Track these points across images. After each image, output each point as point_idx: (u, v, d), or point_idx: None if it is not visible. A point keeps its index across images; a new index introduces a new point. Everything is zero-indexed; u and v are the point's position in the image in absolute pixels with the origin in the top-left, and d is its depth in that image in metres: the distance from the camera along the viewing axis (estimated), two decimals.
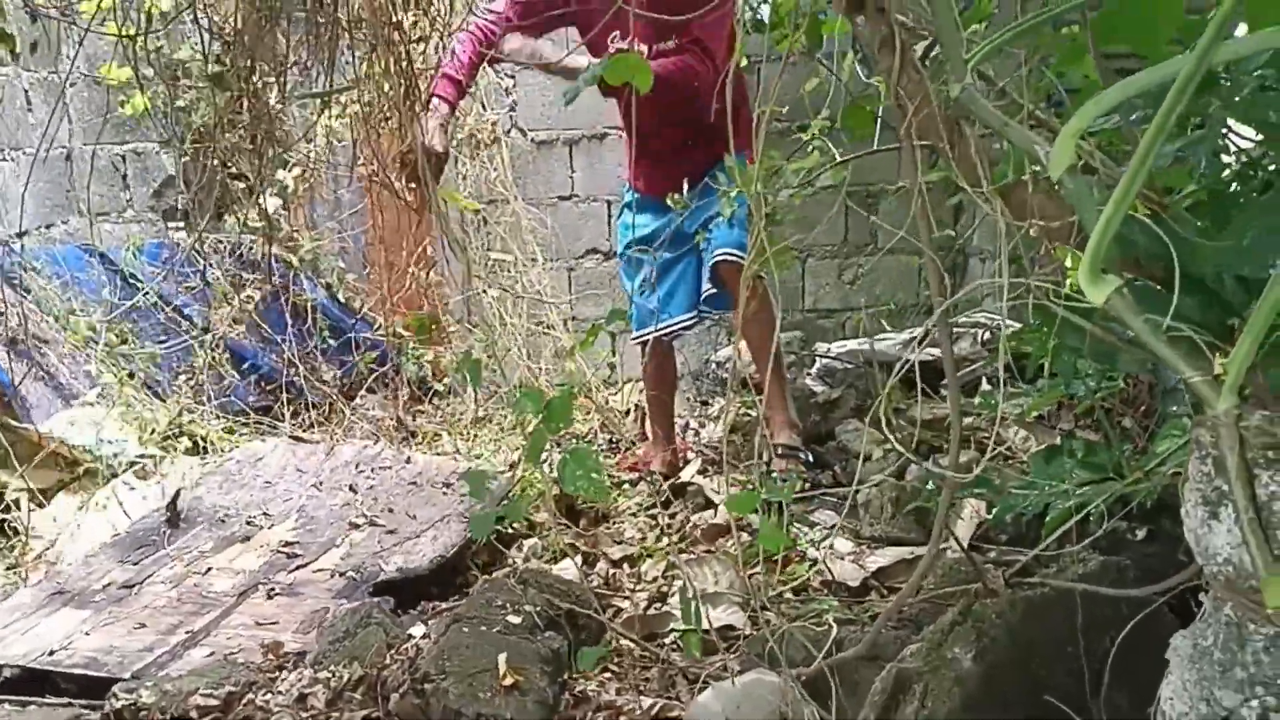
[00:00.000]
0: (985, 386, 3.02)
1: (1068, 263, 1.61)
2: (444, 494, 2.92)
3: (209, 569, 2.63)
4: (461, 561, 2.63)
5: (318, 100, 2.59)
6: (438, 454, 3.66)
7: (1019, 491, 2.14)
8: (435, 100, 2.74)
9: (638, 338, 3.20)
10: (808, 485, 2.86)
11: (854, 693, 1.70)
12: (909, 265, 4.22)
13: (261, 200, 2.80)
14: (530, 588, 2.08)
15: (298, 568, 2.62)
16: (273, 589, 2.51)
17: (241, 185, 2.59)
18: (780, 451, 2.98)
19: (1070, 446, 2.02)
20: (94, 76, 3.74)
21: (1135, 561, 1.82)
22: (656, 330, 3.11)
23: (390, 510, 2.85)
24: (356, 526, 2.79)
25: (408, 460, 3.16)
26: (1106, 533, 1.84)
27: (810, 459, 2.99)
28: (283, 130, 3.24)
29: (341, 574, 2.54)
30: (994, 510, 2.29)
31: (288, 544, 2.74)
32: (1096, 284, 0.94)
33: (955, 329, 3.14)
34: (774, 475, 2.88)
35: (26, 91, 3.58)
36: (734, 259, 2.87)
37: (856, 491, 2.62)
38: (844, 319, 4.33)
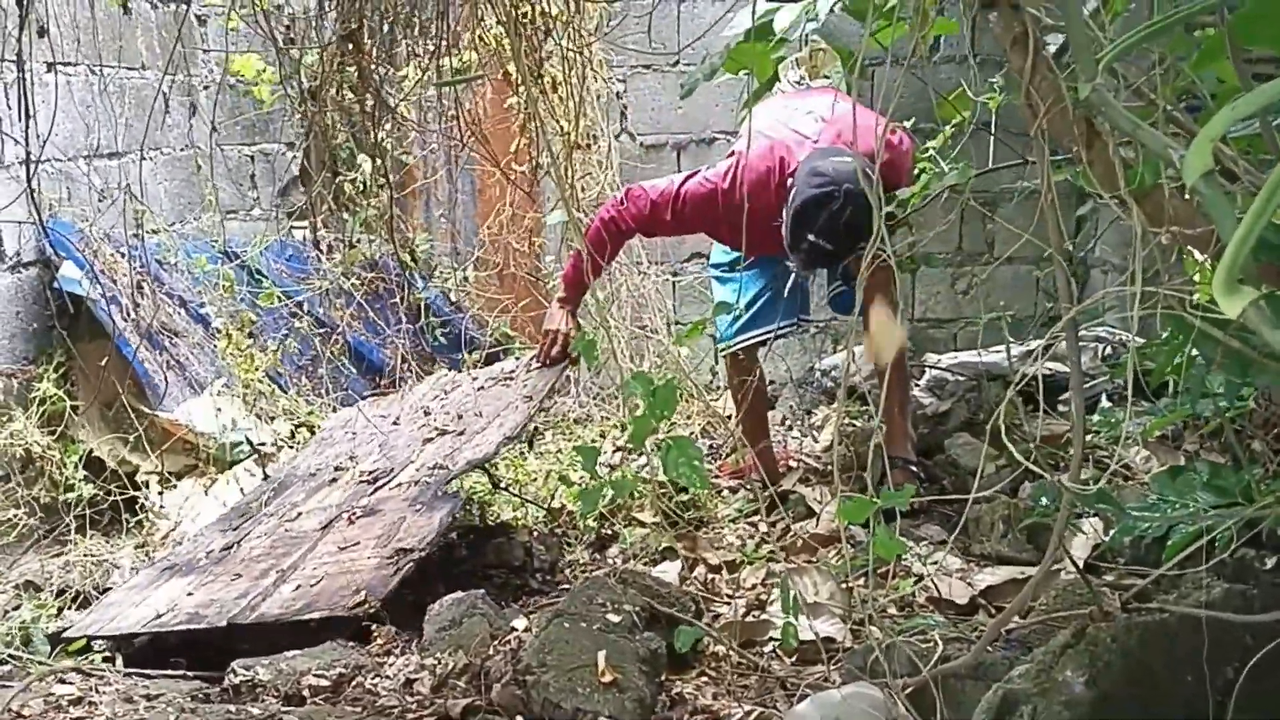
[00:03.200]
0: (1105, 404, 2.91)
1: (1196, 276, 1.54)
2: (506, 387, 2.96)
3: (299, 514, 2.72)
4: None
5: (426, 58, 2.64)
6: (539, 454, 3.72)
7: (1140, 513, 2.06)
8: (565, 301, 2.90)
9: (728, 347, 3.11)
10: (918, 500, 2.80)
11: (958, 711, 1.66)
12: (1027, 276, 4.09)
13: (378, 199, 2.89)
14: (630, 588, 2.09)
15: (375, 490, 2.69)
16: (352, 514, 2.58)
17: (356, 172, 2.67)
18: (896, 464, 2.90)
19: (1196, 468, 1.93)
20: (224, 71, 3.91)
21: (1263, 590, 1.73)
22: (751, 337, 3.07)
23: (459, 416, 2.90)
24: (430, 440, 2.85)
25: (474, 375, 3.22)
26: (1232, 559, 1.76)
27: (923, 476, 2.92)
28: (399, 115, 3.31)
29: (416, 483, 2.59)
30: (1112, 533, 2.20)
31: (369, 473, 2.81)
32: (1232, 294, 0.90)
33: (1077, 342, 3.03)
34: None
35: (164, 94, 3.77)
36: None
37: (968, 507, 2.56)
38: (955, 330, 4.23)
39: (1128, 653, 1.55)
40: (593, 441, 3.82)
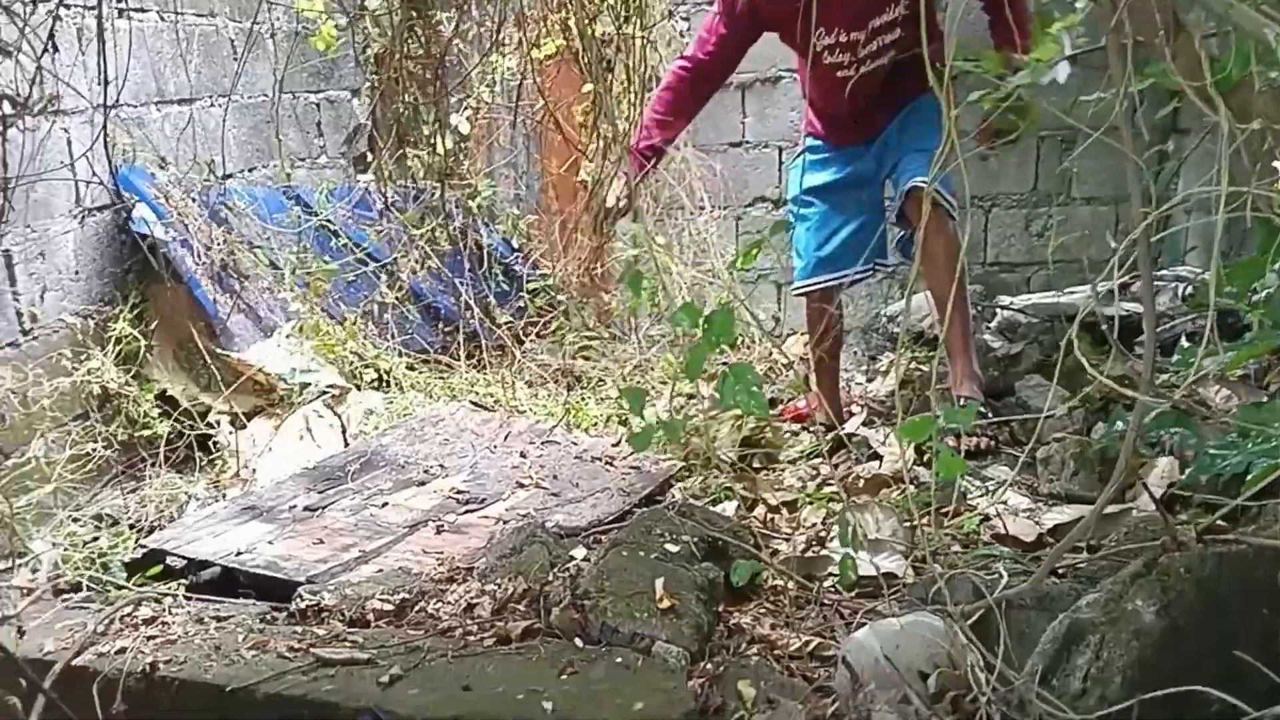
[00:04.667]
0: (1184, 344, 2.80)
1: None
2: (607, 470, 3.01)
3: (386, 504, 2.80)
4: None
5: (493, 30, 2.63)
6: (601, 399, 3.74)
7: (1219, 450, 1.99)
8: (633, 166, 2.82)
9: (802, 289, 3.11)
10: (985, 441, 2.74)
11: (1022, 641, 1.62)
12: (1105, 217, 3.94)
13: (440, 140, 2.89)
14: (689, 520, 2.09)
15: (466, 511, 2.76)
16: (441, 525, 2.65)
17: (421, 122, 2.68)
18: (961, 404, 2.85)
19: (1277, 403, 1.86)
20: (293, 23, 3.94)
21: None
22: (827, 280, 3.03)
23: (555, 477, 2.96)
24: (523, 486, 2.92)
25: (575, 440, 3.28)
26: None
27: (989, 414, 2.85)
28: (459, 68, 3.32)
29: (505, 521, 2.65)
30: (1189, 470, 2.13)
31: (459, 491, 2.88)
32: None
33: (1154, 283, 2.92)
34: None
35: (232, 41, 3.81)
36: (932, 191, 2.73)
37: (1035, 447, 2.50)
38: (1029, 274, 4.11)
39: (1201, 583, 1.50)
40: (654, 387, 3.82)
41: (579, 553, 2.13)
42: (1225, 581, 1.52)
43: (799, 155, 3.14)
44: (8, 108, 1.45)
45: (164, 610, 2.15)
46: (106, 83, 1.85)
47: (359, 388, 3.69)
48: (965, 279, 2.88)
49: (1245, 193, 1.04)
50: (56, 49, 1.67)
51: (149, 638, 1.98)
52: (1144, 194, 1.32)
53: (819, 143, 3.05)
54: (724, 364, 3.02)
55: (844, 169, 2.98)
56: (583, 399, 3.76)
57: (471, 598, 1.98)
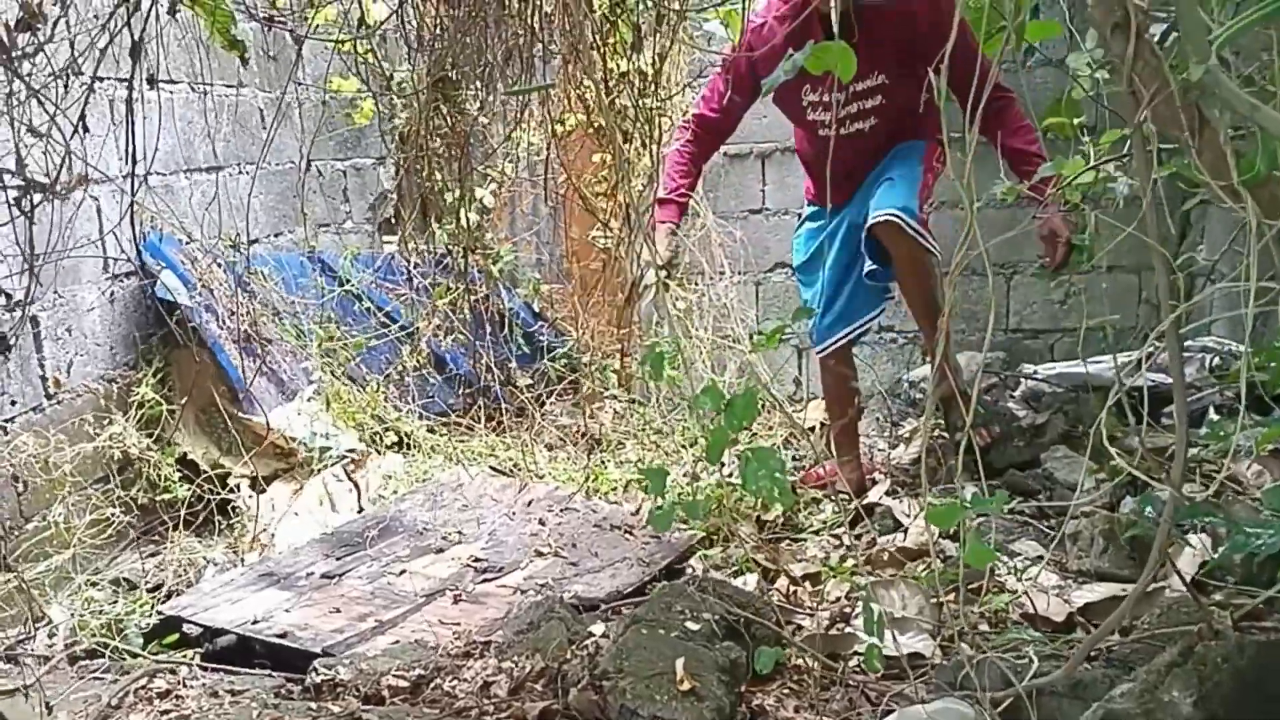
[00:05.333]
0: (1213, 416, 2.77)
1: None
2: (626, 539, 2.99)
3: (403, 571, 2.79)
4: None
5: (517, 107, 2.68)
6: (620, 463, 3.71)
7: (1253, 529, 1.94)
8: (660, 222, 2.90)
9: (824, 349, 3.13)
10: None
11: None
12: (1129, 284, 3.93)
13: (463, 212, 2.94)
14: (710, 595, 2.05)
15: (484, 580, 2.75)
16: (459, 595, 2.63)
17: (445, 196, 2.74)
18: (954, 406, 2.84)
19: None
20: (320, 92, 4.02)
21: None
22: (840, 337, 3.07)
23: (574, 545, 2.94)
24: (541, 554, 2.90)
25: (594, 508, 3.26)
26: None
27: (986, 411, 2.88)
28: (484, 144, 3.38)
29: (523, 591, 2.63)
30: (1222, 549, 2.08)
31: (477, 559, 2.87)
32: None
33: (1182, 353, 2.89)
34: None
35: (261, 110, 3.88)
36: (895, 219, 2.76)
37: (1064, 521, 2.46)
38: (1053, 340, 4.08)
39: (1239, 673, 1.45)
40: (674, 451, 3.80)
41: (598, 629, 2.10)
42: (1263, 671, 1.47)
43: (801, 225, 3.23)
44: (36, 194, 1.47)
45: (179, 682, 2.13)
46: (135, 162, 1.87)
47: (379, 451, 3.69)
48: (938, 296, 2.87)
49: (1275, 290, 1.02)
50: (87, 130, 1.70)
51: (163, 712, 1.96)
52: (1168, 265, 1.31)
53: (816, 209, 3.15)
54: (746, 444, 3.02)
55: (840, 228, 3.02)
56: (602, 463, 3.74)
57: (488, 675, 1.95)
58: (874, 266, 2.91)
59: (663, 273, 2.85)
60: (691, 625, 1.92)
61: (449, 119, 2.31)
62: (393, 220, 4.42)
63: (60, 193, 1.45)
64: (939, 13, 2.57)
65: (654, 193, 2.92)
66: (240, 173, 3.77)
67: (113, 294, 3.17)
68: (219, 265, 3.50)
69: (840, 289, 3.04)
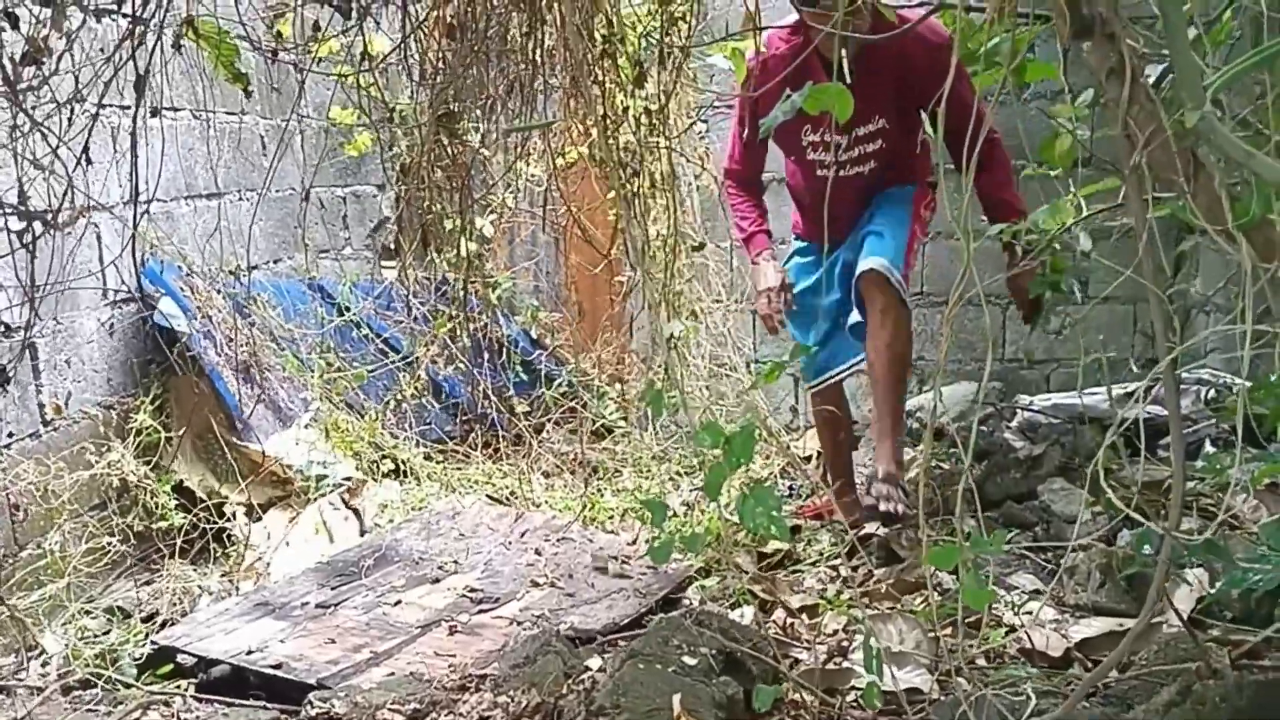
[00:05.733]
0: (1209, 449, 2.77)
1: None
2: (623, 567, 2.98)
3: (399, 601, 2.78)
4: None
5: (519, 139, 2.70)
6: (617, 491, 3.71)
7: (1249, 564, 1.94)
8: (757, 256, 3.04)
9: (814, 386, 3.16)
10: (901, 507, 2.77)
11: None
12: (1124, 315, 3.94)
13: (463, 242, 2.96)
14: (707, 630, 2.04)
15: (479, 611, 2.73)
16: (454, 626, 2.62)
17: (446, 227, 2.76)
18: (881, 476, 2.83)
19: None
20: (321, 120, 4.05)
21: None
22: (828, 378, 3.09)
23: (570, 576, 2.93)
24: (537, 585, 2.89)
25: (591, 537, 3.26)
26: None
27: (907, 493, 2.84)
28: (484, 175, 3.41)
29: (519, 623, 2.62)
30: (1219, 585, 2.08)
31: (473, 590, 2.86)
32: None
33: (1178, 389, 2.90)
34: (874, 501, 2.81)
35: (262, 138, 3.91)
36: (880, 271, 2.78)
37: (1062, 555, 2.46)
38: (1048, 371, 4.09)
39: (1238, 713, 1.45)
40: (670, 479, 3.80)
41: (594, 663, 2.09)
42: (1262, 711, 1.47)
43: (790, 259, 3.21)
44: (38, 226, 1.48)
45: (173, 714, 2.12)
46: (137, 193, 1.89)
47: (376, 479, 3.69)
48: (905, 367, 2.91)
49: (1270, 332, 1.04)
50: (90, 161, 1.71)
51: None
52: (1164, 306, 1.32)
53: (805, 244, 3.15)
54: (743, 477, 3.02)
55: (835, 265, 3.03)
56: (599, 490, 3.74)
57: (484, 710, 1.94)
58: (859, 320, 2.93)
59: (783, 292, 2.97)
60: (689, 660, 1.91)
61: (450, 150, 2.33)
62: (392, 248, 4.44)
63: (62, 226, 1.46)
64: (934, 55, 2.59)
65: (732, 236, 2.99)
66: (241, 199, 3.79)
67: (112, 321, 3.18)
68: (218, 292, 3.50)
69: (837, 325, 3.04)
